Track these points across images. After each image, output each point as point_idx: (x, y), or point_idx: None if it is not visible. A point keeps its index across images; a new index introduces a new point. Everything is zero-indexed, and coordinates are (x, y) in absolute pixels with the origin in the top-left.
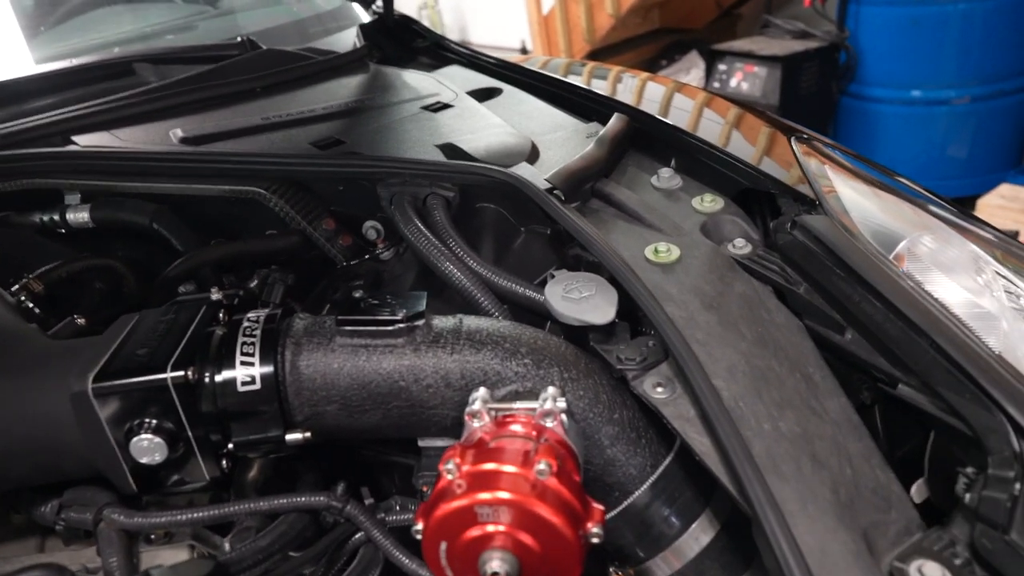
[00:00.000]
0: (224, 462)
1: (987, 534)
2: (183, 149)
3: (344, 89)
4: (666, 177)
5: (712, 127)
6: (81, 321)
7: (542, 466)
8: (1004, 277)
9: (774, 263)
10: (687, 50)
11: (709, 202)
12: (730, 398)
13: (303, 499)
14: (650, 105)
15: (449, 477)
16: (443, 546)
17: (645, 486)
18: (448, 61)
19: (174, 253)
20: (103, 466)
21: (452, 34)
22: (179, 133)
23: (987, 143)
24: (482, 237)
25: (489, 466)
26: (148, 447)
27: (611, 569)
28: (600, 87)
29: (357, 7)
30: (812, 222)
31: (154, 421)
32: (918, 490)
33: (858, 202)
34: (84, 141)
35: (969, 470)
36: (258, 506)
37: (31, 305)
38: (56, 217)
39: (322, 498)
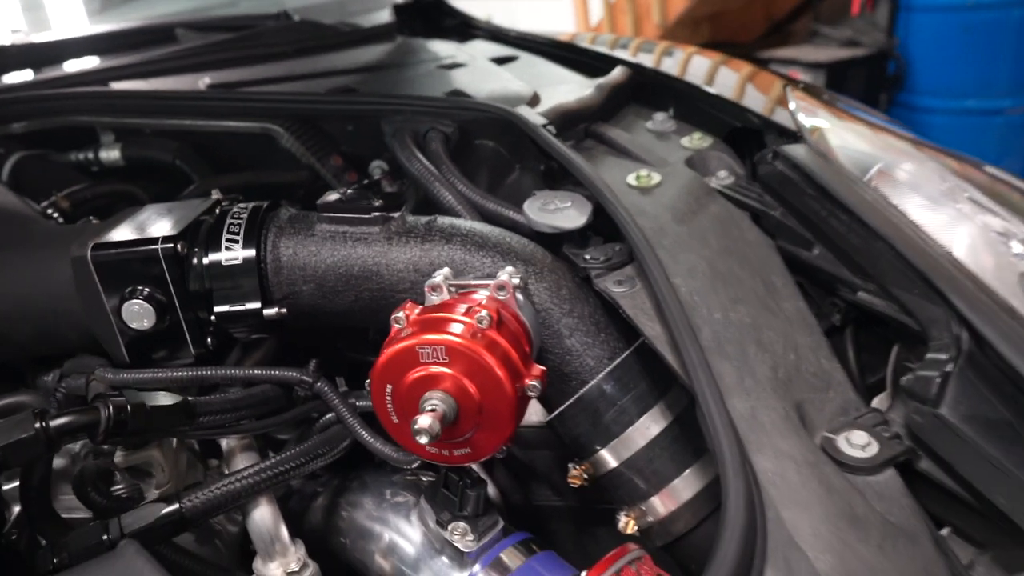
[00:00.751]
0: (209, 340)
1: (918, 410)
2: (205, 91)
3: (369, 54)
4: (660, 120)
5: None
6: (95, 222)
7: (483, 314)
8: (976, 202)
9: (753, 192)
10: None
11: (698, 139)
12: (687, 292)
13: (276, 372)
14: (694, 77)
15: (397, 326)
16: (388, 389)
17: (600, 376)
18: (475, 39)
19: None
20: (99, 332)
21: None
22: (206, 81)
23: None
24: (479, 171)
25: (434, 314)
26: (139, 312)
27: (570, 464)
28: (647, 60)
29: None
30: (791, 150)
31: (145, 289)
32: (879, 403)
33: (842, 136)
34: (121, 87)
35: (914, 364)
36: (234, 373)
37: (56, 216)
38: (90, 155)
39: (294, 373)
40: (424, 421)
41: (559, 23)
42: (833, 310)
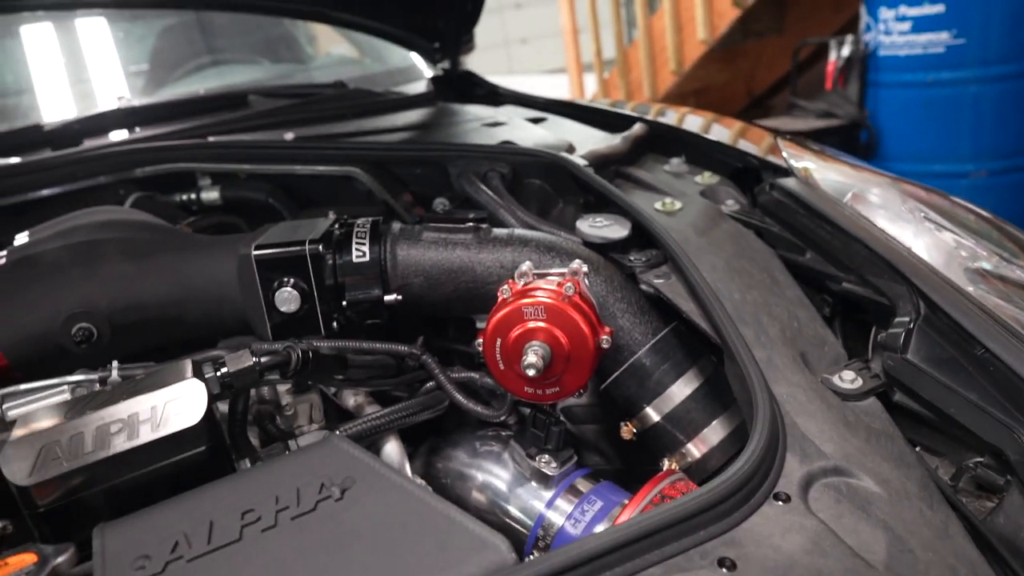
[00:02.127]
0: (335, 324)
1: (891, 357)
2: (296, 141)
3: (417, 116)
4: (675, 164)
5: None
6: None
7: (569, 285)
8: (932, 220)
9: (755, 215)
10: None
11: (708, 177)
12: (711, 281)
13: (393, 346)
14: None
15: (504, 296)
16: (498, 342)
17: (645, 347)
18: (503, 104)
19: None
20: (252, 316)
21: None
22: (291, 135)
23: (1006, 215)
24: (528, 205)
25: (532, 285)
26: (287, 298)
27: (621, 423)
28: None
29: (423, 65)
30: (784, 182)
31: (293, 279)
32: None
33: (825, 172)
34: (221, 139)
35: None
36: (361, 344)
37: None
38: (192, 196)
39: (405, 347)
40: (531, 358)
41: (555, 96)
42: (824, 304)
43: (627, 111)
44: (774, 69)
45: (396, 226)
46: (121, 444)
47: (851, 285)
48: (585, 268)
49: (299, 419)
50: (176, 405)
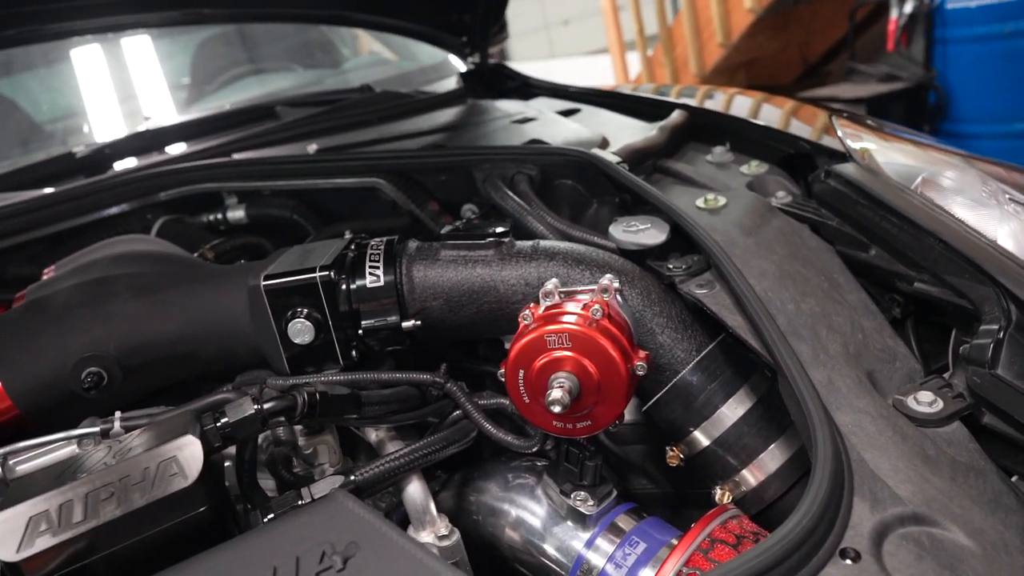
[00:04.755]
0: (354, 353)
1: (977, 372)
2: (317, 155)
3: (446, 116)
4: (719, 153)
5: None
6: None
7: (596, 307)
8: (1019, 202)
9: (810, 207)
10: None
11: (755, 166)
12: (760, 290)
13: (414, 375)
14: (740, 114)
15: (525, 322)
16: (521, 373)
17: (689, 366)
18: (536, 96)
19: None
20: (266, 349)
21: None
22: (314, 147)
23: None
24: (560, 207)
25: (555, 310)
26: (301, 329)
27: (667, 447)
28: (690, 104)
29: (456, 60)
30: (842, 168)
31: (305, 310)
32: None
33: (888, 154)
34: (243, 157)
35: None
36: (380, 376)
37: None
38: (219, 216)
39: (428, 376)
40: (556, 394)
41: (598, 79)
42: (892, 305)
43: (670, 96)
44: (829, 33)
45: (413, 245)
46: (111, 512)
47: (925, 286)
48: (616, 284)
49: (320, 457)
50: (170, 465)
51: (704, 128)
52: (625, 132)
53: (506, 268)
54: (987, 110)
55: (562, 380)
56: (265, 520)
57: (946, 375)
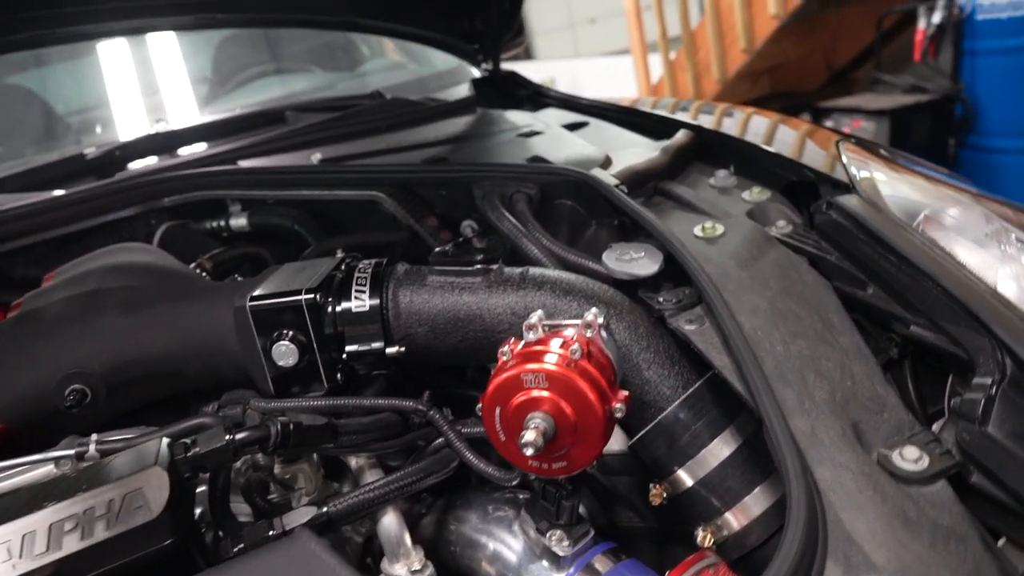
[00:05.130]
0: (339, 376)
1: (967, 428)
2: (319, 165)
3: (453, 126)
4: (722, 177)
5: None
6: (240, 279)
7: (575, 347)
8: (1022, 241)
9: (810, 238)
10: (798, 113)
11: (757, 193)
12: (750, 329)
13: (397, 401)
14: (754, 137)
15: (503, 358)
16: (497, 411)
17: (675, 404)
18: (547, 107)
19: None
20: (251, 369)
21: None
22: (318, 156)
23: None
24: (559, 228)
25: (534, 348)
26: (285, 352)
27: (650, 484)
28: (707, 121)
29: (469, 66)
30: (844, 201)
31: (290, 332)
32: (939, 428)
33: (893, 186)
34: (246, 165)
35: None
36: (361, 402)
37: (203, 274)
38: (222, 223)
39: (411, 403)
40: (530, 436)
41: (620, 80)
42: (891, 344)
43: (689, 112)
44: (856, 40)
45: (401, 269)
46: (73, 544)
47: (920, 330)
48: (601, 320)
49: (298, 482)
50: (136, 497)
51: (710, 149)
52: (629, 151)
53: (493, 296)
54: (1015, 124)
55: (537, 421)
56: (235, 550)
57: (937, 425)
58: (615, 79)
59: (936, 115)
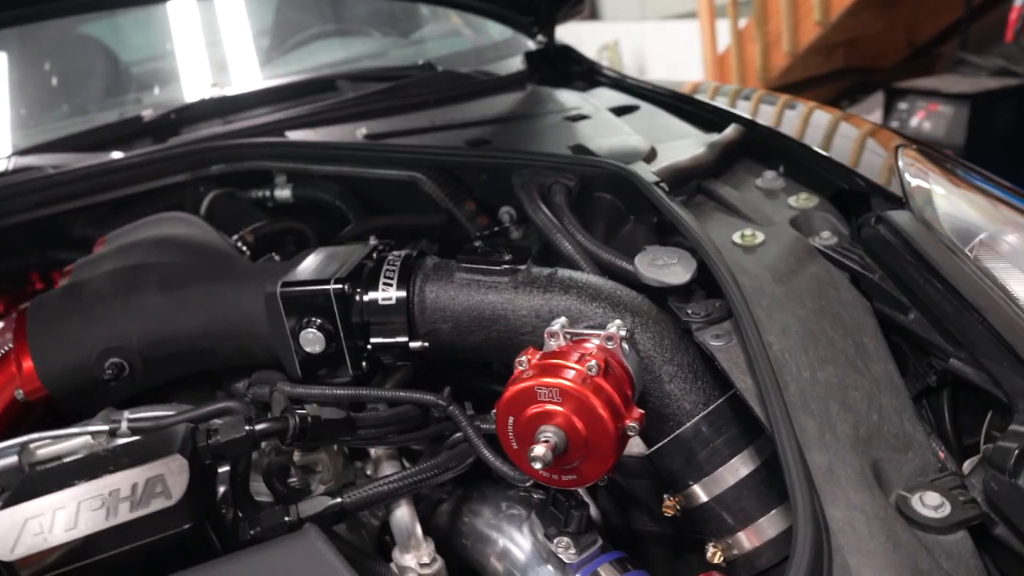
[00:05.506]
0: (364, 364)
1: (996, 478)
2: (363, 142)
3: (502, 103)
4: (769, 179)
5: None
6: (277, 258)
7: (592, 363)
8: None
9: (855, 253)
10: (873, 91)
11: (804, 199)
12: (778, 350)
13: (417, 394)
14: (815, 131)
15: (520, 368)
16: (511, 420)
17: (695, 420)
18: (599, 85)
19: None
20: (280, 353)
21: (631, 73)
22: (363, 131)
23: None
24: (597, 222)
25: (551, 361)
26: (312, 339)
27: (664, 495)
28: (766, 113)
29: (525, 38)
30: (894, 216)
31: (317, 320)
32: (970, 466)
33: (952, 202)
34: (293, 136)
35: (998, 434)
36: (383, 393)
37: (244, 249)
38: (267, 193)
39: (431, 396)
40: (539, 450)
41: (686, 46)
42: (930, 371)
43: (751, 101)
44: (941, 16)
45: (430, 263)
46: (99, 522)
47: (961, 364)
48: (624, 332)
49: (318, 468)
50: (157, 483)
51: (761, 146)
52: (677, 144)
53: (519, 297)
54: None
55: (549, 435)
56: (251, 533)
57: (968, 464)
58: (681, 45)
59: (1023, 102)
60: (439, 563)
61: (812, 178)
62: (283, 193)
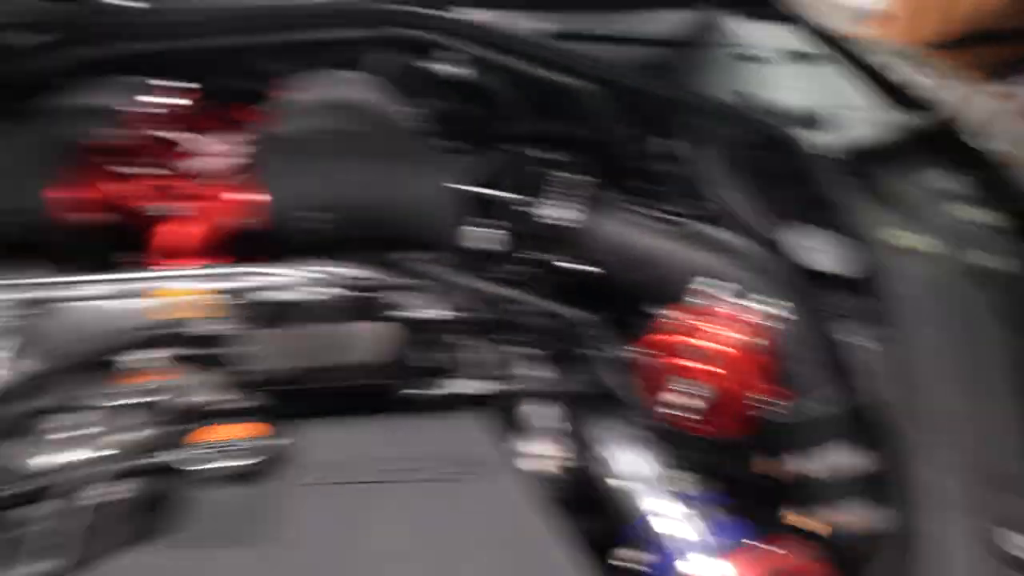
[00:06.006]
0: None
1: None
2: (550, 43)
3: (667, 22)
4: (950, 182)
5: None
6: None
7: (738, 331)
8: None
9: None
10: None
11: (984, 212)
12: (919, 365)
13: (568, 311)
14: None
15: (670, 318)
16: (650, 362)
17: (821, 412)
18: (784, 20)
19: None
20: (446, 241)
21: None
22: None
23: None
24: (753, 182)
25: (695, 320)
26: (482, 236)
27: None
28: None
29: None
30: None
31: (492, 220)
32: None
33: None
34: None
35: None
36: (539, 302)
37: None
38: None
39: (585, 314)
40: (671, 397)
41: None
42: None
43: (953, 87)
44: None
45: (609, 195)
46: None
47: None
48: (776, 311)
49: None
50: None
51: (952, 145)
52: (857, 115)
53: (677, 248)
54: None
55: (682, 386)
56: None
57: None
58: None
59: None
60: (558, 460)
61: (1003, 193)
62: (459, 71)
